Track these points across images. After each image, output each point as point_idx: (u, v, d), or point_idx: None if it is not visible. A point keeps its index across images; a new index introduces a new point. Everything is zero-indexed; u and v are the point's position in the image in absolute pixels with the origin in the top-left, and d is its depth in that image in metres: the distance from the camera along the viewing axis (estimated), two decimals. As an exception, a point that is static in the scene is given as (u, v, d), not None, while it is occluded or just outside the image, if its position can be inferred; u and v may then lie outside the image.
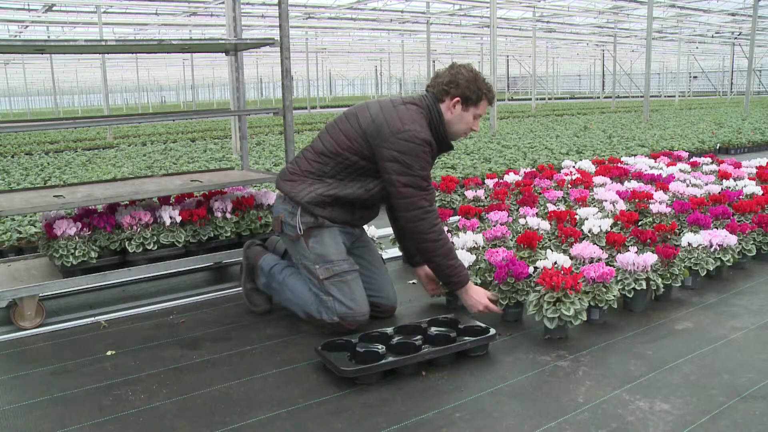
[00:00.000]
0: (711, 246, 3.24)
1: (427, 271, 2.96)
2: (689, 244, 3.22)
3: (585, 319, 2.55)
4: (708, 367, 2.33)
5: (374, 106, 2.70)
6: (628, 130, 11.57)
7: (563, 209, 3.88)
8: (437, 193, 4.82)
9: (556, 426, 1.96)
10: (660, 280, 2.90)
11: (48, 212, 3.18)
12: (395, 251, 3.61)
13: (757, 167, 5.52)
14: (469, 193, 4.54)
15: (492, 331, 2.46)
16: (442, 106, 2.69)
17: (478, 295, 2.73)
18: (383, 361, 2.25)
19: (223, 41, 3.71)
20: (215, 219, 3.36)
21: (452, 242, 2.83)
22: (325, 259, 2.69)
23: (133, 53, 22.68)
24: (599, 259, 2.91)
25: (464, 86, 2.66)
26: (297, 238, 2.73)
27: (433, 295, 3.04)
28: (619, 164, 5.78)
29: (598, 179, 4.82)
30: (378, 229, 3.48)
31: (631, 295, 2.85)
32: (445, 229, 3.02)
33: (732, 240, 3.28)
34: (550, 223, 3.60)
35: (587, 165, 5.71)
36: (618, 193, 4.30)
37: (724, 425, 1.95)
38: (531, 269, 2.76)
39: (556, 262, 2.77)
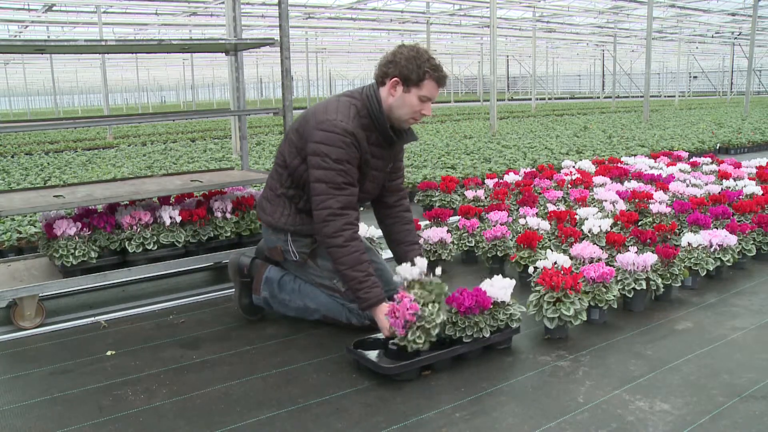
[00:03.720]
0: (711, 246, 3.24)
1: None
2: (689, 244, 3.22)
3: (585, 319, 2.56)
4: (708, 367, 2.33)
5: (312, 106, 2.65)
6: (628, 130, 11.57)
7: (563, 209, 3.89)
8: (437, 193, 4.83)
9: (556, 426, 1.96)
10: (660, 280, 2.90)
11: (48, 212, 3.18)
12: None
13: (757, 167, 5.53)
14: (469, 193, 4.54)
15: (516, 324, 2.49)
16: (383, 90, 2.49)
17: (382, 323, 2.39)
18: (423, 356, 2.26)
19: (223, 41, 3.71)
20: (215, 219, 3.36)
21: (367, 256, 2.49)
22: None
23: (133, 53, 22.67)
24: (599, 259, 2.91)
25: (403, 65, 2.41)
26: (304, 261, 2.73)
27: None
28: (619, 164, 5.79)
29: (598, 179, 4.82)
30: (377, 229, 3.47)
31: (631, 295, 2.85)
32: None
33: (732, 240, 3.28)
34: (550, 223, 3.60)
35: (587, 165, 5.72)
36: (618, 193, 4.30)
37: (724, 425, 1.95)
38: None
39: (556, 262, 2.77)
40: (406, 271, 2.39)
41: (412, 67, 2.41)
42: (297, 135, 2.60)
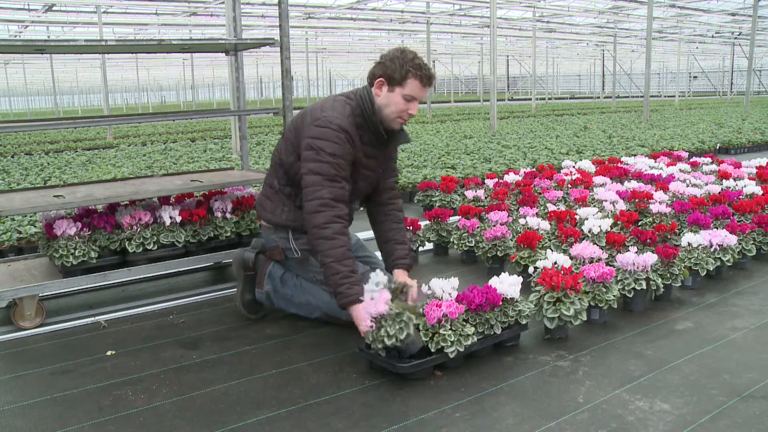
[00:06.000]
0: (711, 246, 3.24)
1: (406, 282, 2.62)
2: (689, 244, 3.22)
3: (585, 319, 2.56)
4: (708, 367, 2.33)
5: (309, 105, 2.72)
6: (628, 130, 11.57)
7: (563, 209, 3.89)
8: (437, 193, 4.83)
9: (556, 426, 1.96)
10: (660, 280, 2.90)
11: (48, 212, 3.18)
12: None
13: (757, 167, 5.53)
14: (469, 193, 4.54)
15: (524, 321, 2.50)
16: (374, 91, 2.58)
17: (359, 317, 2.33)
18: (437, 356, 2.27)
19: (223, 41, 3.71)
20: (215, 219, 3.36)
21: (351, 253, 2.49)
22: None
23: (133, 53, 22.67)
24: (599, 259, 2.91)
25: (387, 65, 2.50)
26: (306, 257, 2.77)
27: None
28: (619, 164, 5.78)
29: (598, 179, 4.82)
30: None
31: (631, 295, 2.84)
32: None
33: (732, 240, 3.28)
34: (550, 223, 3.60)
35: (587, 165, 5.72)
36: (618, 193, 4.30)
37: (724, 425, 1.95)
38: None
39: (556, 262, 2.77)
40: (438, 285, 2.46)
41: (395, 67, 2.50)
42: (294, 133, 2.69)
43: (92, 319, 2.96)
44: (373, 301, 2.27)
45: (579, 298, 2.56)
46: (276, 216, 2.76)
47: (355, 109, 2.59)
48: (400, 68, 2.49)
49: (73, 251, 2.96)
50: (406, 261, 2.77)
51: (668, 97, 35.32)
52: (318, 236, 2.46)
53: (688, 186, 4.69)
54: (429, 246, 3.96)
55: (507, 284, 2.48)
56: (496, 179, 5.10)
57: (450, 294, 2.45)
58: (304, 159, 2.53)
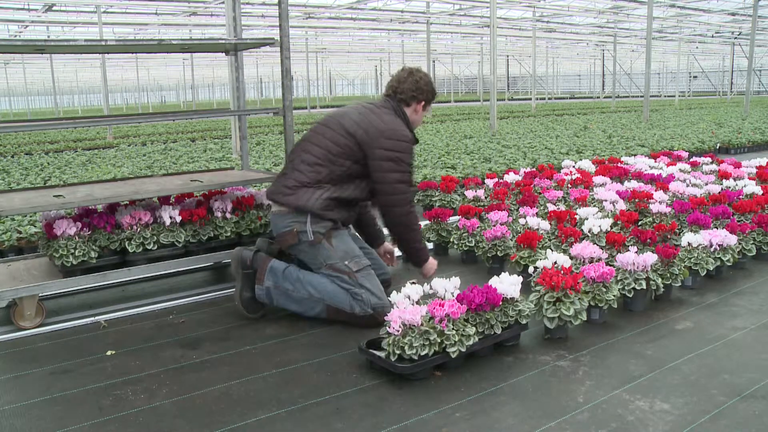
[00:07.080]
0: (711, 246, 3.24)
1: (386, 248, 3.46)
2: (689, 244, 3.22)
3: (585, 319, 2.56)
4: (708, 367, 2.33)
5: (354, 112, 3.02)
6: (628, 130, 11.57)
7: (563, 209, 3.88)
8: (437, 193, 4.83)
9: (556, 426, 1.96)
10: (660, 279, 2.90)
11: (48, 212, 3.18)
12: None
13: (757, 167, 5.53)
14: (469, 193, 4.54)
15: (524, 321, 2.51)
16: (408, 108, 3.11)
17: (432, 266, 3.19)
18: (437, 356, 2.26)
19: (223, 41, 3.71)
20: (215, 219, 3.36)
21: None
22: (352, 254, 2.90)
23: (133, 53, 22.68)
24: (599, 259, 2.91)
25: (427, 91, 3.15)
26: (319, 241, 2.86)
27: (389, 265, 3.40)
28: (619, 164, 5.78)
29: (598, 179, 4.82)
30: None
31: (631, 295, 2.84)
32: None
33: (732, 240, 3.28)
34: (550, 223, 3.60)
35: (587, 165, 5.72)
36: (618, 193, 4.30)
37: (724, 425, 1.95)
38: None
39: (556, 262, 2.77)
40: (441, 285, 2.55)
41: (430, 92, 3.16)
42: (354, 143, 2.93)
43: (92, 319, 2.96)
44: (408, 309, 2.30)
45: (579, 298, 2.56)
46: (303, 202, 2.88)
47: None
48: (433, 93, 3.19)
49: (73, 251, 2.96)
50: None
51: (668, 96, 35.32)
52: (410, 231, 3.07)
53: (688, 186, 4.69)
54: (429, 246, 3.96)
55: (507, 284, 2.49)
56: (496, 179, 5.10)
57: (452, 294, 2.45)
58: (384, 169, 2.92)
